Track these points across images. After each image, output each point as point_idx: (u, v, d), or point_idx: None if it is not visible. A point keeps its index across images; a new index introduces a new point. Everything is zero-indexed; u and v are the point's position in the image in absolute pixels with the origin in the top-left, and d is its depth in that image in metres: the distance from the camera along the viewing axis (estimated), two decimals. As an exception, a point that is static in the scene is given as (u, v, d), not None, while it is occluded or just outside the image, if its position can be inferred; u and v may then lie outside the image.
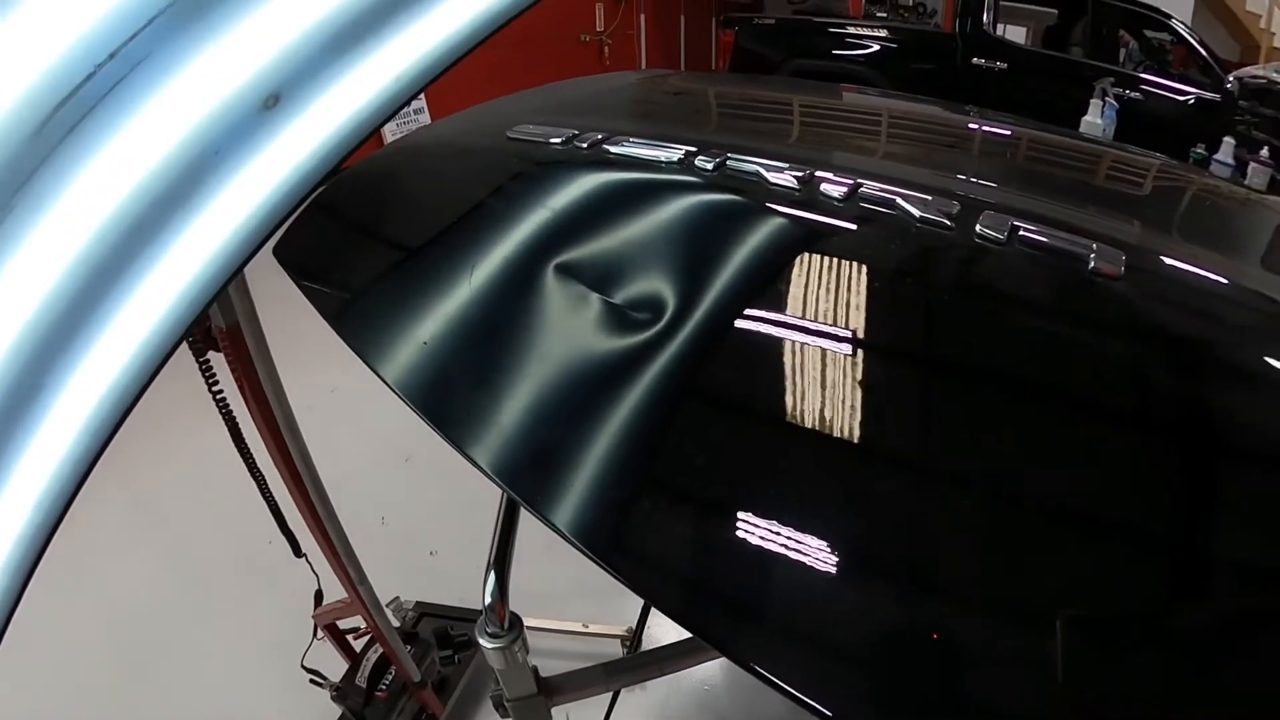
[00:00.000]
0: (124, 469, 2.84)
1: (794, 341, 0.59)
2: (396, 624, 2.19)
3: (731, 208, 0.72)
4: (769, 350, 0.59)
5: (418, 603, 2.31)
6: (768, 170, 0.74)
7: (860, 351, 0.58)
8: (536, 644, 2.34)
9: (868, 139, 1.07)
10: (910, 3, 8.28)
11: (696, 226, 0.71)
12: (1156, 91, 5.14)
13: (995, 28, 5.72)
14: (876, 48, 6.06)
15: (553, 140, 0.84)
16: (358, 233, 0.86)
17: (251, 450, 1.16)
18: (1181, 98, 5.09)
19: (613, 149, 0.80)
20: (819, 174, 0.73)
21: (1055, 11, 6.17)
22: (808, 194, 0.71)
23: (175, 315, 0.54)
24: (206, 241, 0.55)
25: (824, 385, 0.55)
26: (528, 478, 0.57)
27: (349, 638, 2.01)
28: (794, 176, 0.73)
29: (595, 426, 0.57)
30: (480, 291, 0.70)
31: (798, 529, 0.48)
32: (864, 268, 0.63)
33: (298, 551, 1.50)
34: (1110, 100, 4.72)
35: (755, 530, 0.48)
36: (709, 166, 0.75)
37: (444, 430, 0.60)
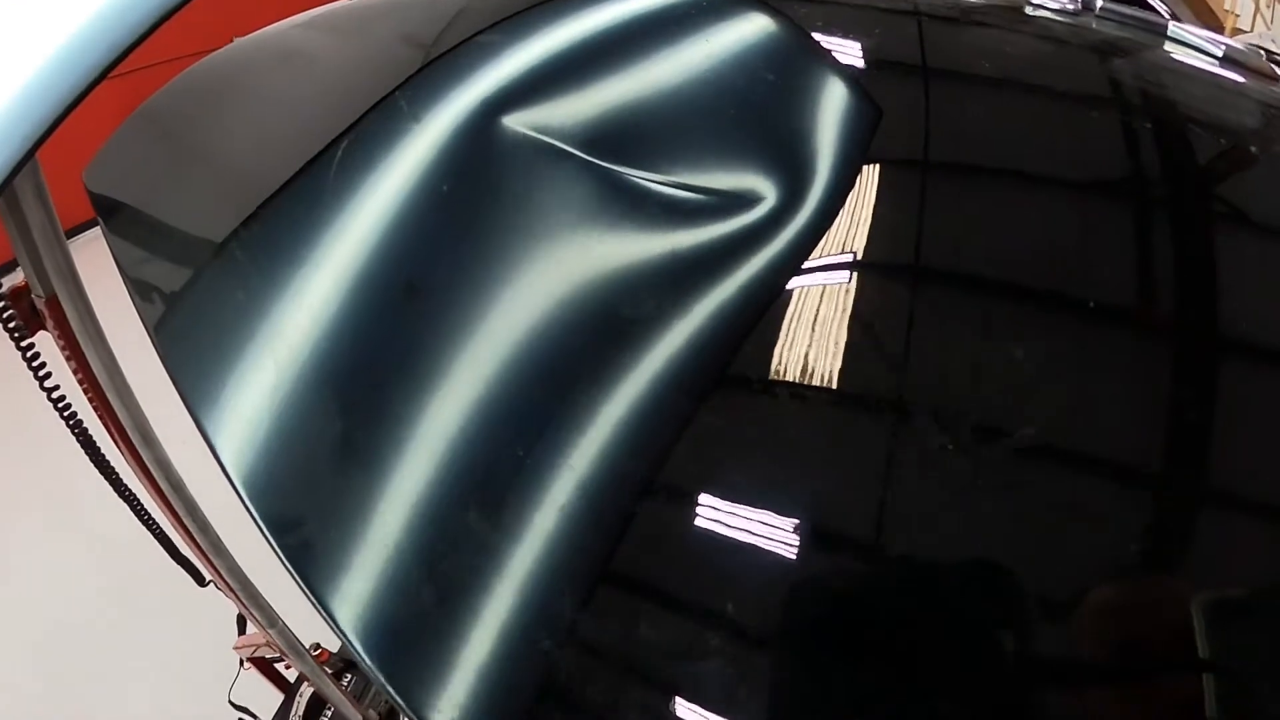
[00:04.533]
0: (45, 471, 2.58)
1: None
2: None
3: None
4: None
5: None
6: None
7: None
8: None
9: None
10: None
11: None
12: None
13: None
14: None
15: None
16: (208, 157, 0.59)
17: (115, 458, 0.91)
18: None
19: None
20: None
21: (1027, -11, 6.12)
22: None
23: None
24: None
25: None
26: (427, 681, 0.33)
27: (281, 666, 1.77)
28: None
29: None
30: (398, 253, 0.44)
31: None
32: None
33: (201, 580, 1.25)
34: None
35: None
36: None
37: (298, 568, 0.36)
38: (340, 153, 0.47)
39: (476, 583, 0.34)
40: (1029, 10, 0.48)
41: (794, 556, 0.33)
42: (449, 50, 0.49)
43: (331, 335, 0.40)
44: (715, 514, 0.34)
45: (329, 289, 0.42)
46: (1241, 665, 0.32)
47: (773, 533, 0.33)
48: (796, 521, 0.34)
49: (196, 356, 0.43)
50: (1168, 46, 0.49)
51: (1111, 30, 0.49)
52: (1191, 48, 0.48)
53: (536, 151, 0.41)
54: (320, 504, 0.37)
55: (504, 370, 0.38)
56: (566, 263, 0.39)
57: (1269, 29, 6.39)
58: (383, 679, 0.34)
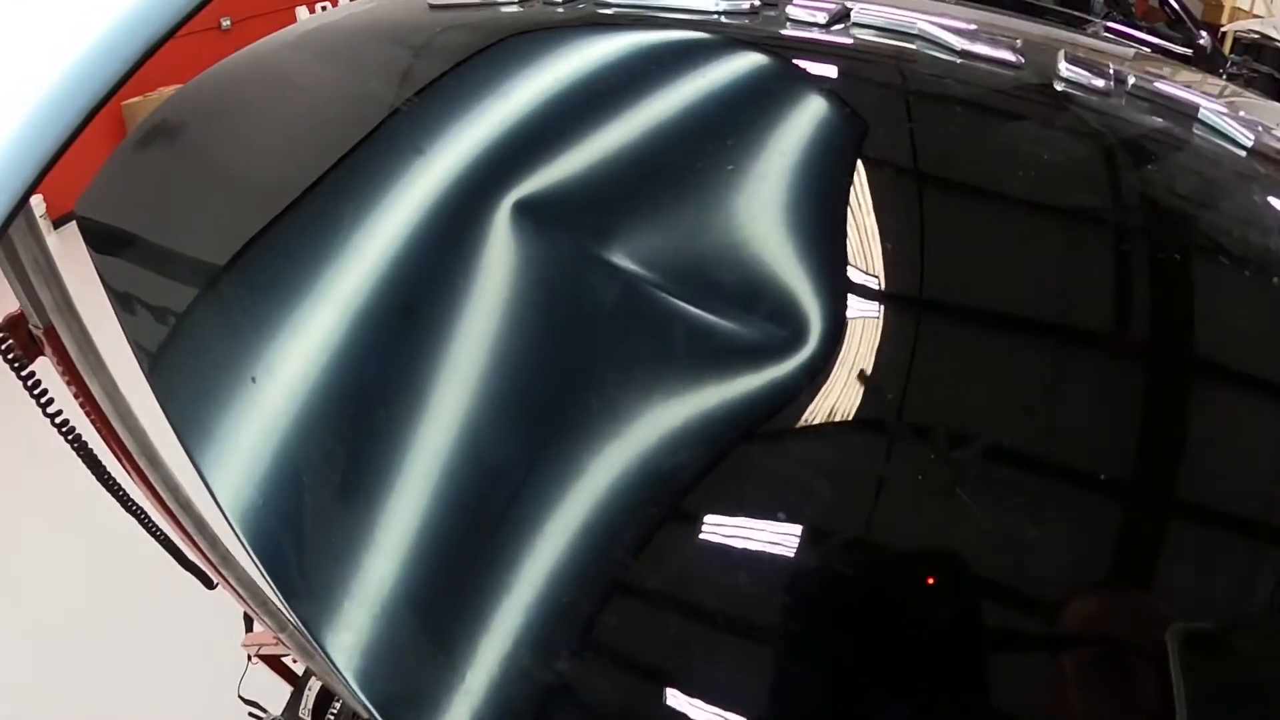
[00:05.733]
0: (47, 466, 2.60)
1: None
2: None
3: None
4: None
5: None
6: (939, 29, 0.47)
7: None
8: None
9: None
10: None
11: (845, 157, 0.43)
12: (1135, 42, 5.06)
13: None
14: None
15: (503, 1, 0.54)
16: (202, 187, 0.58)
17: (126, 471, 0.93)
18: (1151, 51, 5.01)
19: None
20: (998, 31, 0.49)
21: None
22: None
23: None
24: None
25: None
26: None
27: (289, 660, 1.80)
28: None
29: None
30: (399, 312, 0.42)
31: None
32: None
33: (209, 584, 1.28)
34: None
35: None
36: (819, 20, 0.47)
37: (294, 604, 0.36)
38: (344, 186, 0.47)
39: (474, 615, 0.34)
40: (1058, 86, 0.47)
41: (785, 576, 0.34)
42: (443, 83, 0.50)
43: (328, 370, 0.40)
44: (707, 549, 0.35)
45: (326, 323, 0.42)
46: (1210, 677, 0.33)
47: (765, 550, 0.34)
48: (790, 538, 0.34)
49: (191, 394, 0.43)
50: (1196, 132, 0.47)
51: (1139, 116, 0.47)
52: (1221, 134, 0.46)
53: (528, 224, 0.42)
54: (318, 539, 0.38)
55: (496, 403, 0.38)
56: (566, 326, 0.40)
57: (1270, 12, 6.30)
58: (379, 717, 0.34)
